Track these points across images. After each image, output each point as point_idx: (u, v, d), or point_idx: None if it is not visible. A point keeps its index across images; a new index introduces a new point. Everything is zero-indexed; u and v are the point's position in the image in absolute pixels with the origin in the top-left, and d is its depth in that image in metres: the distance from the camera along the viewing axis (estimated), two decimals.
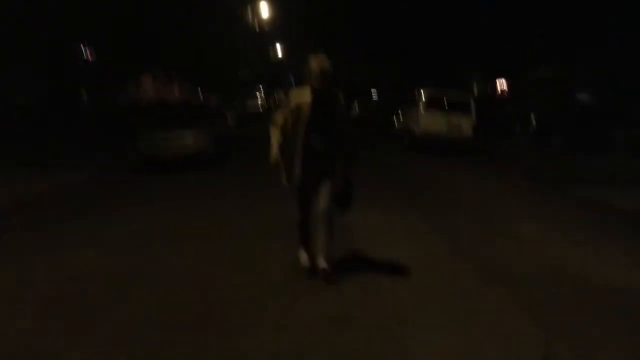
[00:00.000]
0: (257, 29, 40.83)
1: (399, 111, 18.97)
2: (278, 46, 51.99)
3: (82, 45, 18.48)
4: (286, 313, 3.72)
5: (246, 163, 11.83)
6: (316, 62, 4.12)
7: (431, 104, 15.10)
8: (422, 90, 15.67)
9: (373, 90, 39.50)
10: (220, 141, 11.81)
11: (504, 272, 4.80)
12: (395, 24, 26.44)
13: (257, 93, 32.69)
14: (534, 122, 21.29)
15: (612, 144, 14.65)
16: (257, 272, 4.58)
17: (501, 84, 28.40)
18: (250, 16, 38.89)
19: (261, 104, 30.32)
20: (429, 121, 14.94)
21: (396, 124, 19.19)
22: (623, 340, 3.52)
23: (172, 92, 29.56)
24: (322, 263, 4.33)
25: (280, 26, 43.73)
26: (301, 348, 3.22)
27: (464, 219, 6.80)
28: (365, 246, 5.37)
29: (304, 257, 4.55)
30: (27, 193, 8.01)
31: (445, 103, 15.12)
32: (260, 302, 3.92)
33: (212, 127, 11.55)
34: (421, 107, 15.21)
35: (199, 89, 33.65)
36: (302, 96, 4.17)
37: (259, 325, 3.52)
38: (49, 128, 15.66)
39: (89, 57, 18.92)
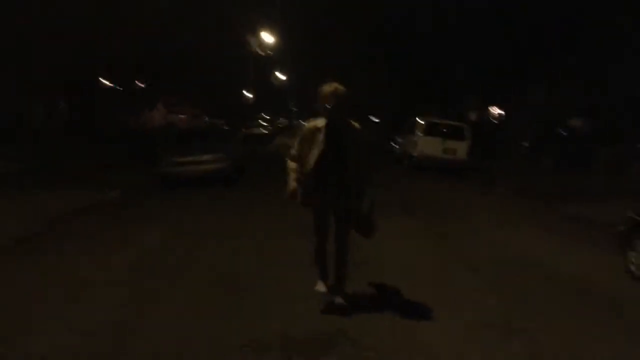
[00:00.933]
0: (261, 53, 42.38)
1: (398, 137, 20.28)
2: (279, 74, 53.79)
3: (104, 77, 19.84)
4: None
5: (259, 180, 13.17)
6: (329, 89, 4.13)
7: (428, 130, 16.45)
8: (420, 119, 17.09)
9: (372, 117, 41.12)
10: (236, 162, 12.94)
11: (481, 263, 5.95)
12: (397, 53, 27.85)
13: (260, 119, 33.98)
14: (526, 145, 22.55)
15: (594, 163, 15.89)
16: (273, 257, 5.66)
17: (495, 110, 29.81)
18: (252, 44, 40.50)
19: (264, 128, 31.48)
20: (426, 146, 16.25)
21: (396, 147, 20.40)
22: (577, 314, 4.53)
23: (181, 117, 30.93)
24: (338, 299, 4.30)
25: (282, 53, 45.45)
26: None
27: (454, 226, 7.97)
28: (371, 244, 6.39)
29: (321, 287, 4.50)
30: (75, 206, 9.10)
31: (442, 130, 16.50)
32: (274, 276, 4.97)
33: (229, 149, 12.69)
34: (419, 134, 16.54)
35: (205, 114, 35.08)
36: (317, 122, 4.23)
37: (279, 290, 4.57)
38: (70, 149, 16.78)
39: (111, 85, 20.26)
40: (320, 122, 4.20)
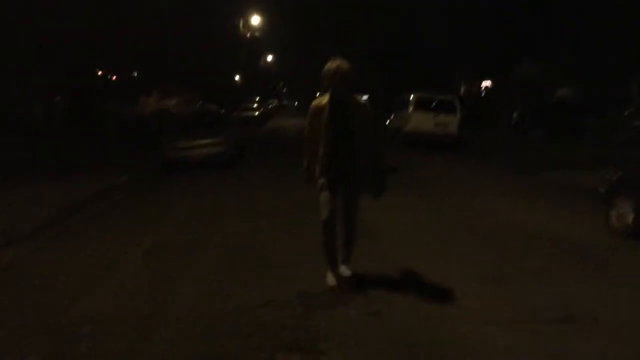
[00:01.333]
0: (249, 36, 42.45)
1: (391, 113, 20.69)
2: (270, 56, 53.93)
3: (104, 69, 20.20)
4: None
5: (259, 161, 13.73)
6: (333, 64, 4.12)
7: (420, 105, 16.85)
8: (412, 94, 17.44)
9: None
10: (237, 144, 13.38)
11: (471, 225, 6.55)
12: (387, 29, 28.16)
13: (251, 102, 34.17)
14: (515, 117, 23.05)
15: (583, 133, 16.42)
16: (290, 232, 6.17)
17: (486, 83, 30.25)
18: (242, 25, 40.57)
19: (256, 111, 31.74)
20: (417, 120, 16.68)
21: (388, 123, 20.83)
22: (558, 267, 5.07)
23: (174, 103, 31.10)
24: (345, 271, 4.41)
25: (272, 34, 45.59)
26: None
27: (445, 194, 8.64)
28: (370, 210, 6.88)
29: (331, 279, 4.41)
30: (95, 189, 9.60)
31: (433, 104, 16.90)
32: (290, 245, 5.48)
33: (229, 131, 13.11)
34: (411, 108, 16.94)
35: (198, 98, 35.23)
36: (321, 100, 4.26)
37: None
38: (71, 140, 17.10)
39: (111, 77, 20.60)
40: (326, 99, 4.21)
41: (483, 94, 30.09)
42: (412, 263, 5.03)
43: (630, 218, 6.18)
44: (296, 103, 67.06)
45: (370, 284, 4.42)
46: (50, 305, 4.29)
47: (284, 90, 79.85)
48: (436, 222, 6.84)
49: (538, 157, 13.35)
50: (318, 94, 4.35)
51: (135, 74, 24.63)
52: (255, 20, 41.78)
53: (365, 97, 41.92)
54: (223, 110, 16.45)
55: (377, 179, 4.34)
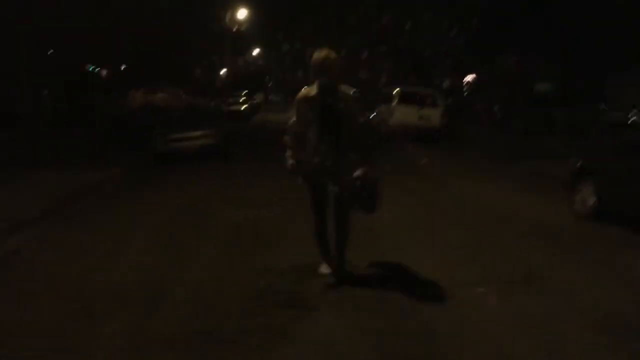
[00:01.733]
0: (234, 30, 42.66)
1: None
2: (256, 49, 54.17)
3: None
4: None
5: (248, 153, 14.28)
6: (319, 55, 4.07)
7: (403, 99, 17.51)
8: (395, 88, 18.14)
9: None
10: (226, 137, 13.85)
11: (444, 206, 7.31)
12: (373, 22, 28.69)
13: (238, 96, 34.47)
14: (496, 110, 23.84)
15: (558, 126, 17.19)
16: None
17: (468, 78, 31.02)
18: (227, 19, 40.76)
19: (242, 105, 32.06)
20: (402, 114, 17.35)
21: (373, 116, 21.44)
22: (523, 243, 5.70)
23: (160, 96, 31.32)
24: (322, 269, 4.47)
25: (258, 28, 45.76)
26: None
27: (423, 180, 9.31)
28: None
29: (325, 269, 4.45)
30: (91, 180, 9.92)
31: (416, 98, 17.59)
32: (283, 224, 6.01)
33: (218, 124, 13.59)
34: (395, 102, 17.60)
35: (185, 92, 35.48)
36: (309, 91, 4.18)
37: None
38: (61, 134, 17.35)
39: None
40: (312, 90, 4.15)
41: (465, 88, 30.87)
42: (393, 240, 5.61)
43: (591, 202, 6.82)
44: (282, 98, 67.37)
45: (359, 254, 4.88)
46: (64, 280, 4.75)
47: (270, 85, 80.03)
48: (415, 204, 7.47)
49: (513, 147, 14.09)
50: (305, 87, 4.29)
51: (123, 68, 24.83)
52: (242, 14, 42.01)
53: (353, 90, 42.71)
54: (212, 104, 16.89)
55: (369, 190, 4.13)
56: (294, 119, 4.30)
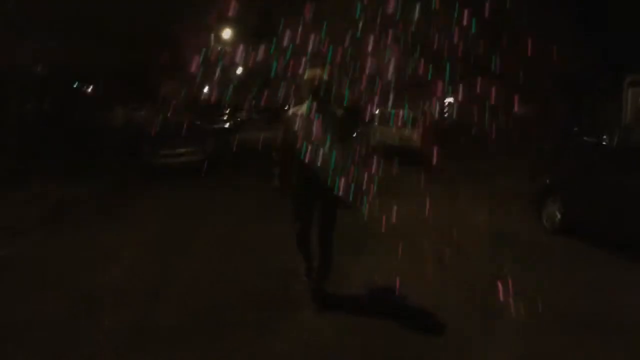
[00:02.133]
0: (218, 49, 43.16)
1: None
2: (240, 67, 54.71)
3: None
4: None
5: (235, 170, 14.59)
6: (311, 75, 4.16)
7: (385, 120, 18.25)
8: (377, 109, 18.87)
9: None
10: (212, 153, 14.23)
11: (420, 219, 7.60)
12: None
13: (222, 115, 34.82)
14: (474, 132, 24.58)
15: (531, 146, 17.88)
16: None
17: (449, 99, 31.87)
18: (212, 40, 41.30)
19: (226, 123, 32.43)
20: (382, 134, 18.03)
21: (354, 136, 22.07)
22: (491, 253, 6.14)
23: (143, 114, 31.62)
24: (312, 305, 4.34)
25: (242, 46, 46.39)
26: None
27: (406, 199, 9.61)
28: None
29: (306, 274, 4.56)
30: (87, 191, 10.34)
31: (397, 119, 18.31)
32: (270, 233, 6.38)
33: (205, 141, 13.99)
34: (376, 123, 18.29)
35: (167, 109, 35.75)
36: (299, 108, 4.24)
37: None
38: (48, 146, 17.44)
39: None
40: (301, 108, 4.22)
41: (446, 110, 31.68)
42: (377, 254, 6.05)
43: (557, 217, 7.33)
44: (264, 117, 67.60)
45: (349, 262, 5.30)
46: (66, 278, 5.07)
47: (253, 104, 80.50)
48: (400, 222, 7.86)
49: (489, 166, 14.73)
50: (288, 106, 4.36)
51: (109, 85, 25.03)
52: (227, 34, 42.58)
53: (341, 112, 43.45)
54: (198, 122, 17.23)
55: (355, 190, 4.22)
56: (281, 135, 4.33)
